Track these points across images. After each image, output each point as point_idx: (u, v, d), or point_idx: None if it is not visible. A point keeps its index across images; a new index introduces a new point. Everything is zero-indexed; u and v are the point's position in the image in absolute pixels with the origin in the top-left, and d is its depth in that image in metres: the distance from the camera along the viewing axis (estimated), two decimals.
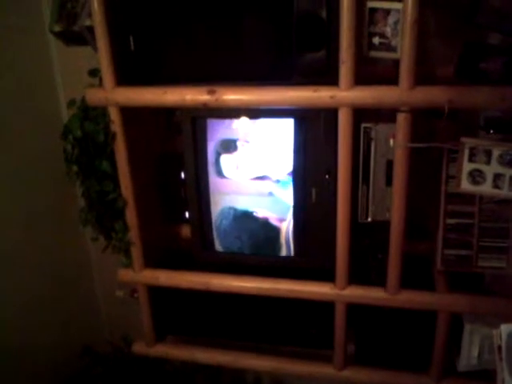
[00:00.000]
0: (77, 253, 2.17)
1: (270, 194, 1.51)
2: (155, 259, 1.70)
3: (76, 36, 1.48)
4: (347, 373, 1.62)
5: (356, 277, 1.50)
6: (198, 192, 1.57)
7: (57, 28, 1.49)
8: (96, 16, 1.35)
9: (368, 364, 1.62)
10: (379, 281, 1.47)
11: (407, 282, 1.46)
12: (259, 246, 1.61)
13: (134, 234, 1.61)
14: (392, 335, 1.58)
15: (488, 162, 1.25)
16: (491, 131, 1.29)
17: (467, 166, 1.27)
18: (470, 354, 1.47)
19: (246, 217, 1.57)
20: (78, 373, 2.07)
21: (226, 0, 1.32)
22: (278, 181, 1.49)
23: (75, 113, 1.48)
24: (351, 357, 1.63)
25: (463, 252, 1.40)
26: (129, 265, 1.67)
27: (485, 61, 1.24)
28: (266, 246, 1.60)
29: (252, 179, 1.52)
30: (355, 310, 1.54)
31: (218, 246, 1.64)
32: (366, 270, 1.57)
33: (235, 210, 1.57)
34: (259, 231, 1.58)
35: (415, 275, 1.52)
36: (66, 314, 2.10)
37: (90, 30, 1.39)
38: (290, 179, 1.48)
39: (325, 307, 1.54)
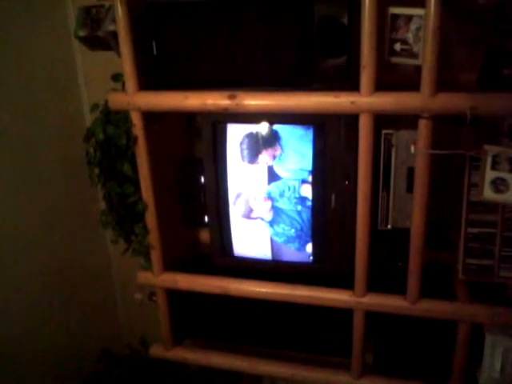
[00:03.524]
0: (97, 255, 2.19)
1: (289, 198, 1.51)
2: (174, 263, 1.71)
3: (100, 41, 1.50)
4: (365, 382, 1.60)
5: (375, 285, 1.49)
6: (218, 197, 1.58)
7: (81, 33, 1.51)
8: (120, 21, 1.37)
9: (386, 374, 1.59)
10: (399, 289, 1.45)
11: (428, 290, 1.44)
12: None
13: (153, 238, 1.62)
14: (411, 345, 1.56)
15: (511, 171, 1.23)
16: None
17: (490, 174, 1.25)
18: (492, 367, 1.44)
19: None
20: (97, 375, 2.09)
21: (247, 6, 1.33)
22: (298, 185, 1.49)
23: (98, 116, 1.50)
24: (369, 366, 1.62)
25: (485, 262, 1.38)
26: (148, 268, 1.69)
27: (508, 67, 1.22)
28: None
29: (270, 183, 1.51)
30: (374, 318, 1.52)
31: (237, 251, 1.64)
32: (385, 278, 1.55)
33: None
34: None
35: (436, 284, 1.50)
36: (85, 316, 2.12)
37: (114, 35, 1.42)
38: (309, 184, 1.48)
39: (343, 314, 1.53)
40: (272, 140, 1.47)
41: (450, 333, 1.46)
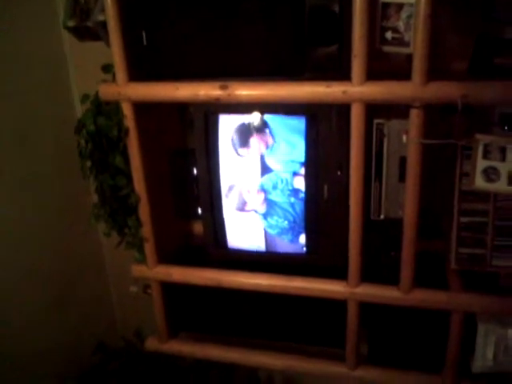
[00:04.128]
0: (90, 248, 2.19)
1: (282, 190, 1.51)
2: (168, 255, 1.71)
3: (89, 31, 1.49)
4: (360, 372, 1.61)
5: (369, 275, 1.49)
6: (211, 189, 1.57)
7: (70, 23, 1.50)
8: (109, 11, 1.35)
9: (381, 364, 1.60)
10: (392, 279, 1.45)
11: (421, 280, 1.44)
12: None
13: (146, 230, 1.61)
14: (405, 335, 1.56)
15: (503, 159, 1.23)
16: (506, 128, 1.27)
17: (481, 163, 1.25)
18: (484, 356, 1.45)
19: None
20: (92, 368, 2.09)
21: None
22: (290, 176, 1.49)
23: (89, 108, 1.49)
24: (364, 356, 1.62)
25: (477, 251, 1.38)
26: (142, 261, 1.68)
27: (500, 56, 1.22)
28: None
29: (263, 175, 1.51)
30: (368, 309, 1.53)
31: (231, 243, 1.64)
32: (378, 269, 1.55)
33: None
34: None
35: (429, 274, 1.50)
36: (79, 310, 2.12)
37: (103, 25, 1.41)
38: (302, 175, 1.47)
39: (338, 305, 1.53)
40: (264, 130, 1.47)
41: (443, 322, 1.46)
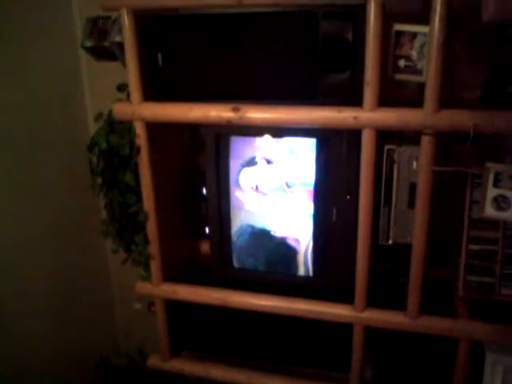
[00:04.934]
0: (96, 264, 2.19)
1: (290, 212, 1.51)
2: (174, 273, 1.70)
3: (106, 51, 1.51)
4: None
5: (376, 300, 1.48)
6: (219, 209, 1.58)
7: (88, 43, 1.52)
8: (126, 32, 1.38)
9: None
10: (399, 305, 1.45)
11: (428, 307, 1.43)
12: (277, 265, 1.61)
13: (153, 248, 1.62)
14: (411, 361, 1.55)
15: None
16: None
17: (492, 192, 1.25)
18: None
19: (263, 235, 1.57)
20: None
21: (253, 20, 1.34)
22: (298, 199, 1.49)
23: (102, 126, 1.51)
24: (368, 381, 1.61)
25: (486, 279, 1.37)
26: (147, 278, 1.68)
27: None
28: (284, 265, 1.59)
29: (272, 197, 1.52)
30: (374, 333, 1.52)
31: (237, 263, 1.64)
32: (385, 294, 1.55)
33: (253, 227, 1.57)
34: (277, 250, 1.58)
35: (437, 301, 1.49)
36: (83, 324, 2.11)
37: (120, 45, 1.43)
38: (311, 198, 1.48)
39: (343, 329, 1.52)
40: (275, 153, 1.48)
41: (450, 350, 1.45)
